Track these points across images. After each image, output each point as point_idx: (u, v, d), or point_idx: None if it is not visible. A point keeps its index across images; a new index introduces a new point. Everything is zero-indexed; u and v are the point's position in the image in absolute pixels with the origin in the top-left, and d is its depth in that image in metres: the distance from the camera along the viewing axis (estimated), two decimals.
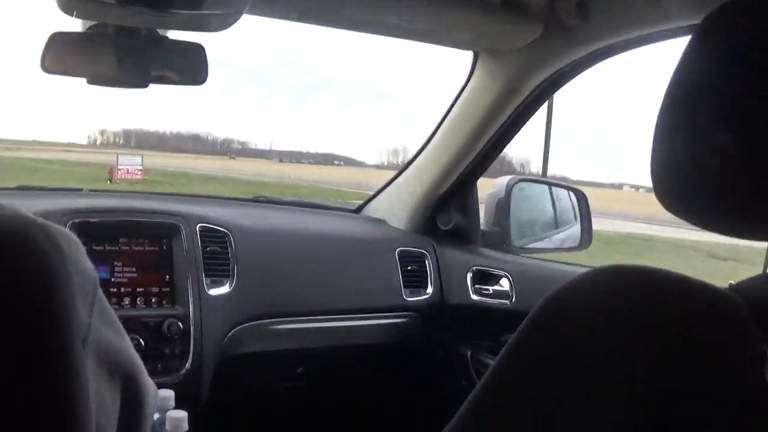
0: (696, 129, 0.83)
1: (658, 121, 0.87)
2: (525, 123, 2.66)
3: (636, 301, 0.75)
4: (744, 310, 0.75)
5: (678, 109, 0.86)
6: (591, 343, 0.73)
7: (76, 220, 2.18)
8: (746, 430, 0.70)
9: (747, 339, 0.73)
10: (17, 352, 0.72)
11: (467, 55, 2.57)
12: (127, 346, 0.94)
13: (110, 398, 0.89)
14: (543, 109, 2.67)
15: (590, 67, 2.42)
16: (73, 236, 0.88)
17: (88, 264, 0.87)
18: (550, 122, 15.22)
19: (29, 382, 0.72)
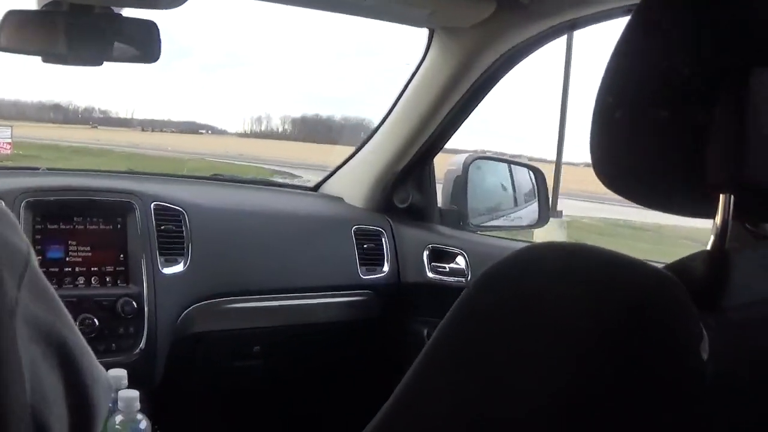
0: (635, 106, 0.84)
1: (597, 97, 0.88)
2: (481, 100, 2.68)
3: (575, 278, 0.75)
4: (681, 289, 0.75)
5: (617, 86, 0.87)
6: (527, 320, 0.73)
7: (31, 199, 2.17)
8: (684, 408, 0.71)
9: (685, 317, 0.73)
10: None
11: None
12: (63, 324, 0.91)
13: (49, 378, 0.87)
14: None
15: (545, 44, 2.43)
16: (5, 209, 0.87)
17: (17, 238, 0.85)
18: (566, 101, 15.02)
19: None
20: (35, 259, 0.86)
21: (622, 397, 0.69)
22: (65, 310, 0.92)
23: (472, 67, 2.53)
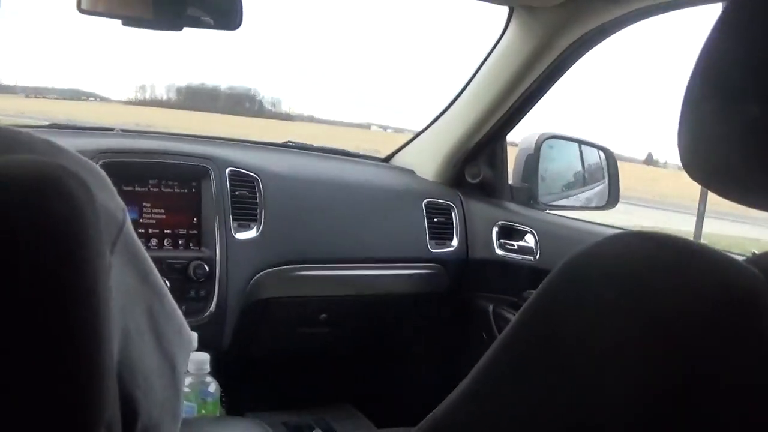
0: (725, 99, 0.82)
1: (687, 88, 0.86)
2: (558, 80, 2.65)
3: (655, 268, 0.74)
4: (761, 282, 0.74)
5: (708, 76, 0.85)
6: (609, 308, 0.72)
7: (107, 160, 2.18)
8: (759, 405, 0.70)
9: (762, 311, 0.73)
10: (45, 296, 0.71)
11: None
12: (149, 290, 0.93)
13: (137, 349, 0.89)
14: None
15: (627, 26, 2.39)
16: (102, 174, 0.88)
17: (113, 203, 0.87)
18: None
19: (56, 324, 0.72)
20: (130, 224, 0.88)
21: (705, 389, 0.68)
22: (155, 275, 0.93)
23: (552, 47, 2.50)
